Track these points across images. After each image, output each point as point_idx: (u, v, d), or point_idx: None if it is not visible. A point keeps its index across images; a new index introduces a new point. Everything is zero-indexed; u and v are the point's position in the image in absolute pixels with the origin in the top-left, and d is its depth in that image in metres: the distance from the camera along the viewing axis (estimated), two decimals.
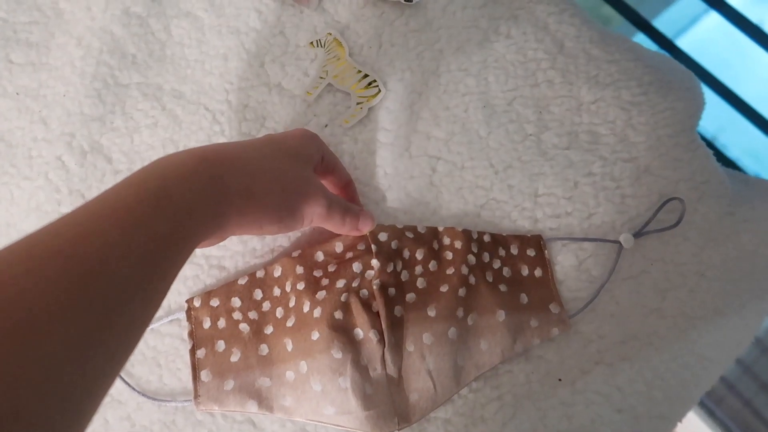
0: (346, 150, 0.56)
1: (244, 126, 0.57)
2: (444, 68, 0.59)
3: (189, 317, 0.51)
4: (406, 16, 0.60)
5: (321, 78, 0.58)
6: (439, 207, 0.55)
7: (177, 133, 0.56)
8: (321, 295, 0.49)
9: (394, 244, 0.52)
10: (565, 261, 0.54)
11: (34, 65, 0.56)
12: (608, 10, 1.16)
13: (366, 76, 0.58)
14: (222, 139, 0.56)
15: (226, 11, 0.60)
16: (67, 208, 0.52)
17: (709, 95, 0.64)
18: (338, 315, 0.48)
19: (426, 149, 0.56)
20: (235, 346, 0.50)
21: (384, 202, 0.55)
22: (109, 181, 0.53)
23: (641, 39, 1.11)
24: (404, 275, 0.51)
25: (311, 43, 0.59)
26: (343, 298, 0.49)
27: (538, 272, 0.54)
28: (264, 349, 0.50)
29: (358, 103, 0.57)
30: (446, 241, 0.53)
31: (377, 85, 0.58)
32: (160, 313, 0.52)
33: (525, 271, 0.54)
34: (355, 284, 0.50)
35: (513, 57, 0.59)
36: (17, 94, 0.55)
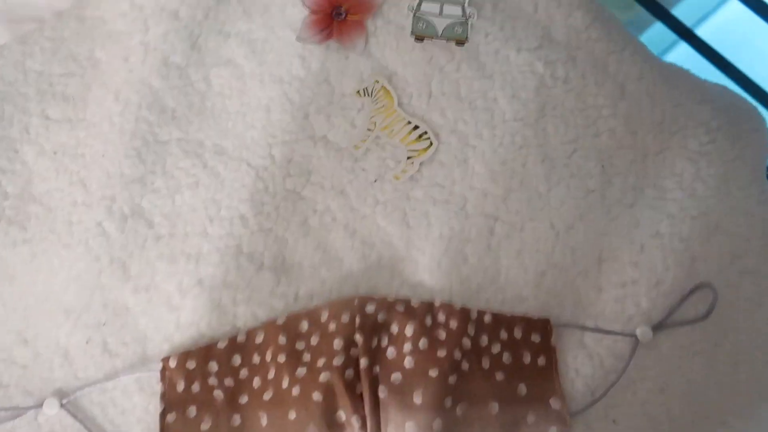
0: (398, 207, 0.53)
1: (288, 182, 0.54)
2: (499, 118, 0.55)
3: (163, 378, 0.49)
4: (457, 61, 0.57)
5: (369, 130, 0.55)
6: (497, 274, 0.51)
7: (219, 192, 0.53)
8: (301, 372, 0.47)
9: (381, 317, 0.49)
10: (575, 350, 0.50)
11: (72, 122, 0.54)
12: None
13: (416, 127, 0.55)
14: (266, 197, 0.53)
15: (267, 58, 0.57)
16: (107, 279, 0.50)
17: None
18: (317, 397, 0.46)
19: (483, 208, 0.53)
20: (207, 414, 0.48)
21: (438, 269, 0.52)
22: (151, 248, 0.51)
23: (659, 28, 1.05)
24: (390, 352, 0.48)
25: (358, 92, 0.56)
26: (323, 378, 0.46)
27: (541, 360, 0.49)
28: (236, 419, 0.47)
29: (408, 158, 0.54)
30: (441, 318, 0.49)
31: (428, 138, 0.55)
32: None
33: (527, 359, 0.49)
34: (336, 362, 0.47)
35: (572, 104, 0.56)
36: (55, 153, 0.53)
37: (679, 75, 0.60)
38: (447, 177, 0.54)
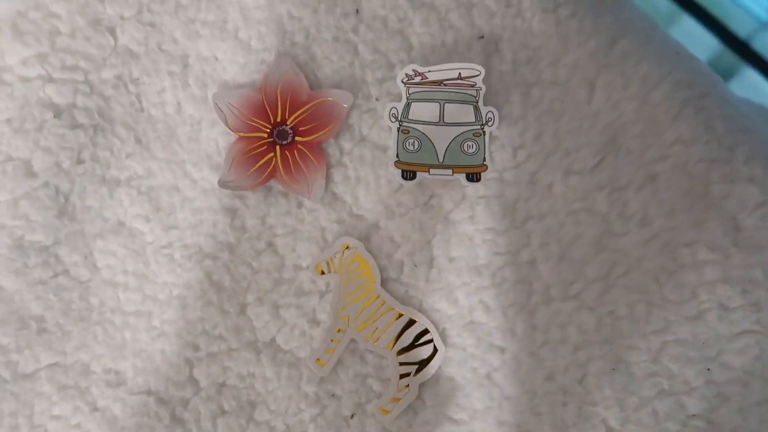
0: None
1: (221, 426, 0.35)
2: (540, 297, 0.35)
3: None
4: (471, 203, 0.36)
5: (338, 331, 0.35)
6: None
7: None
8: None
9: None
10: None
11: None
12: None
13: (412, 322, 0.35)
14: None
15: (178, 218, 0.37)
16: None
17: None
18: None
19: None
20: None
21: None
22: None
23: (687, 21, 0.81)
24: None
25: (318, 265, 0.36)
26: None
27: None
28: None
29: (402, 377, 0.35)
30: None
31: (431, 340, 0.35)
32: None
33: None
34: None
35: (656, 263, 0.35)
36: None
37: None
38: (463, 404, 0.34)
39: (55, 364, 0.36)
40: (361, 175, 0.37)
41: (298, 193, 0.37)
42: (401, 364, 0.35)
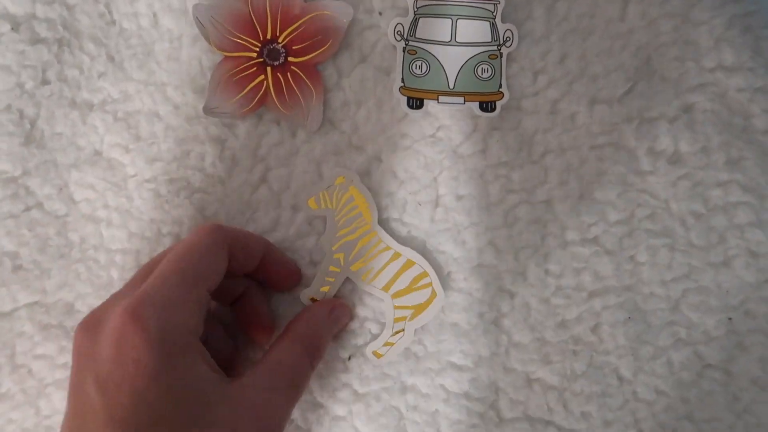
0: (388, 407, 0.33)
1: None
2: (556, 240, 0.32)
3: None
4: (483, 136, 0.33)
5: (332, 269, 0.33)
6: None
7: None
8: None
9: None
10: None
11: None
12: None
13: (410, 264, 0.33)
14: None
15: (161, 149, 0.33)
16: None
17: None
18: None
19: (525, 408, 0.32)
20: None
21: None
22: None
23: None
24: None
25: (312, 199, 0.33)
26: None
27: None
28: None
29: (397, 320, 0.33)
30: None
31: (430, 284, 0.33)
32: None
33: None
34: None
35: (683, 206, 0.32)
36: None
37: None
38: (467, 351, 0.33)
39: (35, 303, 0.33)
40: (362, 101, 0.33)
41: (292, 122, 0.33)
42: (397, 307, 0.33)
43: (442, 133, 0.33)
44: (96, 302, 0.33)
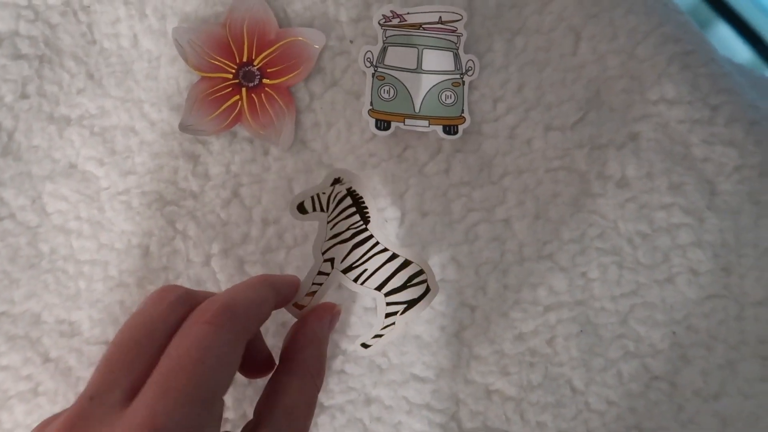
0: (348, 416, 0.34)
1: None
2: (513, 255, 0.34)
3: None
4: (446, 157, 0.35)
5: (320, 274, 0.33)
6: None
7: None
8: None
9: None
10: None
11: None
12: None
13: (407, 263, 0.33)
14: None
15: (136, 162, 0.34)
16: None
17: None
18: None
19: (485, 419, 0.34)
20: None
21: None
22: None
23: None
24: None
25: (300, 204, 0.32)
26: None
27: None
28: None
29: (388, 315, 0.34)
30: None
31: (425, 280, 0.33)
32: None
33: None
34: None
35: (631, 226, 0.34)
36: None
37: None
38: (429, 363, 0.34)
39: (3, 313, 0.34)
40: (332, 122, 0.35)
41: (264, 140, 0.35)
42: (389, 303, 0.33)
43: (408, 153, 0.35)
44: (63, 313, 0.34)
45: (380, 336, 0.32)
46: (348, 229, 0.32)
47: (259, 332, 0.29)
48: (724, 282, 0.34)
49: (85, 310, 0.34)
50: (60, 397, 0.34)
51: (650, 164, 0.35)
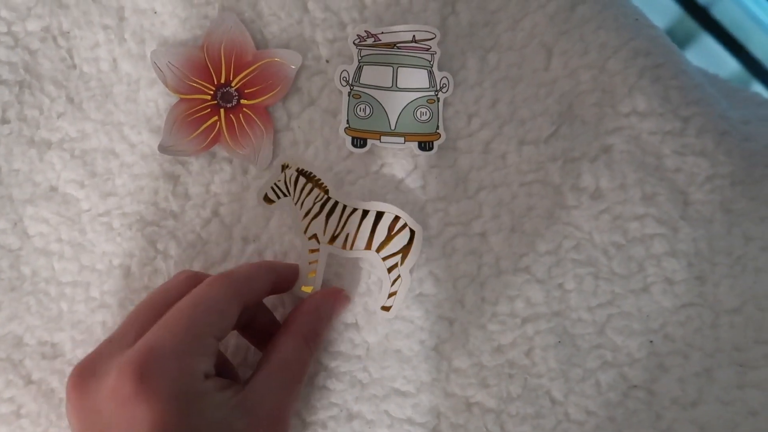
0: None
1: None
2: (490, 269, 0.35)
3: None
4: (422, 173, 0.35)
5: (311, 252, 0.34)
6: None
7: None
8: None
9: None
10: None
11: None
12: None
13: (381, 215, 0.34)
14: None
15: (116, 184, 0.35)
16: None
17: None
18: None
19: (465, 429, 0.34)
20: None
21: None
22: None
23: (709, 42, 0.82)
24: None
25: (264, 196, 0.34)
26: None
27: None
28: None
29: (390, 269, 0.34)
30: None
31: (405, 224, 0.34)
32: None
33: None
34: None
35: (605, 237, 0.35)
36: None
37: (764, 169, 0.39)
38: (409, 377, 0.34)
39: None
40: (310, 141, 0.36)
41: (243, 159, 0.35)
42: (384, 258, 0.34)
43: (385, 170, 0.35)
44: (45, 335, 0.34)
45: (394, 293, 0.34)
46: (315, 203, 0.34)
47: (269, 311, 0.33)
48: (698, 290, 0.35)
49: (67, 332, 0.34)
50: (43, 419, 0.34)
51: (623, 176, 0.35)
